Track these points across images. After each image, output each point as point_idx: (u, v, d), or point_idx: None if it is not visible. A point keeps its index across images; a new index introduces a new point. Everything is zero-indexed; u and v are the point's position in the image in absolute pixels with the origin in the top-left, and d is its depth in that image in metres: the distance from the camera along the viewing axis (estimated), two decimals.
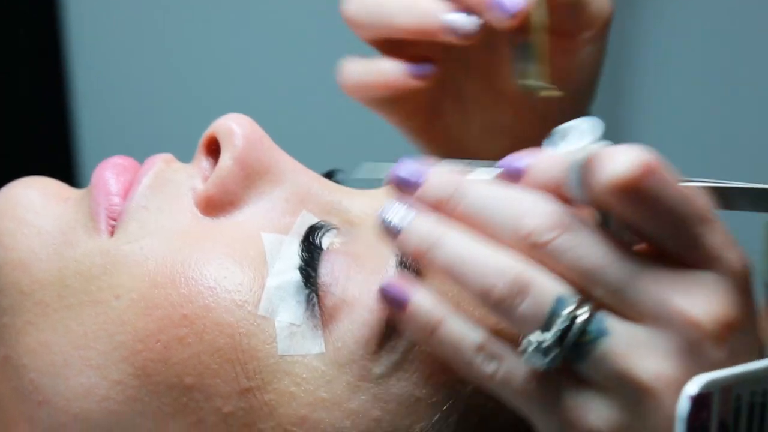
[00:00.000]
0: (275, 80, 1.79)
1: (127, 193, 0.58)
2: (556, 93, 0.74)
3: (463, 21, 0.73)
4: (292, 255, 0.56)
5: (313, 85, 1.74)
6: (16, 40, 1.79)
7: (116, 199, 0.58)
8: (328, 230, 0.57)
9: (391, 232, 0.53)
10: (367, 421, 0.54)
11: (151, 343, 0.54)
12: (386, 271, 0.55)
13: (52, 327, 0.55)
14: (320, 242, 0.57)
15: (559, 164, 0.51)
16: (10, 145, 1.79)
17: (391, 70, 0.76)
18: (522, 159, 0.53)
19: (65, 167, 1.82)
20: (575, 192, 0.50)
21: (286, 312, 0.55)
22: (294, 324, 0.54)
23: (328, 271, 0.55)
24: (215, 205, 0.58)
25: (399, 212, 0.53)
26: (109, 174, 0.59)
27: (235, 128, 0.58)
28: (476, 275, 0.51)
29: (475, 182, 0.53)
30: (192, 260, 0.55)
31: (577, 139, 0.52)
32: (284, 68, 1.79)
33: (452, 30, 0.73)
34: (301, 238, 0.57)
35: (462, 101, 0.80)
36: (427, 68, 0.76)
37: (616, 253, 0.50)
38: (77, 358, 0.54)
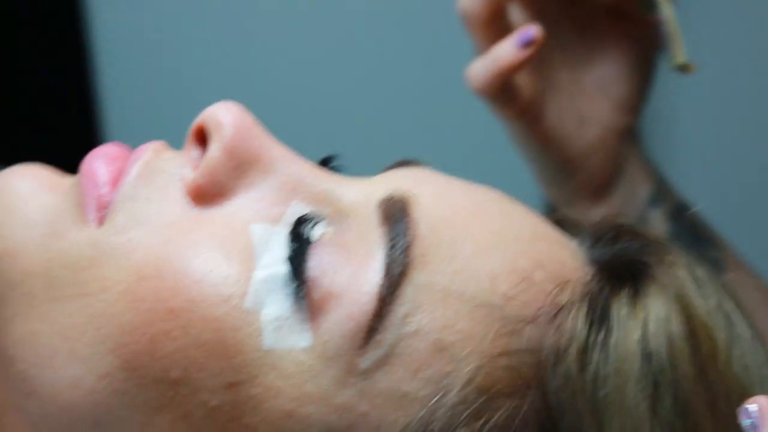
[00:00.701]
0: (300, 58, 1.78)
1: (116, 182, 0.58)
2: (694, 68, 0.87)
3: None
4: (280, 247, 0.55)
5: (337, 71, 1.74)
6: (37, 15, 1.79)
7: (105, 189, 0.57)
8: (318, 221, 0.57)
9: None
10: (354, 416, 0.53)
11: (137, 337, 0.53)
12: (373, 264, 0.54)
13: (39, 318, 0.55)
14: (311, 233, 0.56)
15: None
16: (33, 114, 1.79)
17: (503, 50, 0.86)
18: None
19: (88, 135, 1.82)
20: None
21: (274, 305, 0.54)
22: (281, 317, 0.54)
23: (316, 263, 0.55)
24: (204, 195, 0.57)
25: None
26: (99, 163, 0.58)
27: (224, 117, 0.58)
28: None
29: None
30: (179, 253, 0.54)
31: None
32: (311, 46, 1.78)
33: None
34: (290, 229, 0.56)
35: (559, 97, 0.92)
36: (530, 32, 0.86)
37: None
38: (64, 350, 0.54)
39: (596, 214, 0.76)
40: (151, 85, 1.80)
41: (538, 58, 0.88)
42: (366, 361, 0.53)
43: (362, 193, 0.58)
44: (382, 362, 0.53)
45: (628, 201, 0.94)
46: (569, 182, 0.94)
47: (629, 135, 0.95)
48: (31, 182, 0.59)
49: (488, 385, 0.54)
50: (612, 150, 0.94)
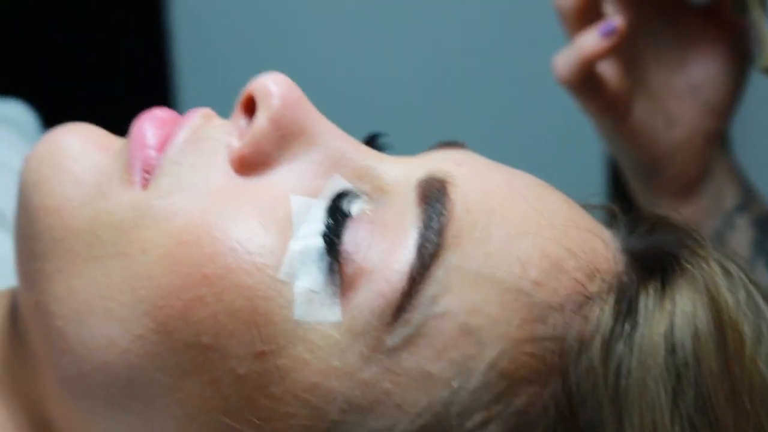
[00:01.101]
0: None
1: (163, 146, 0.59)
2: None
3: None
4: (318, 219, 0.56)
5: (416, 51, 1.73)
6: None
7: (152, 153, 0.58)
8: (357, 196, 0.58)
9: None
10: (377, 393, 0.54)
11: (172, 300, 0.54)
12: (407, 243, 0.55)
13: (79, 275, 0.56)
14: (349, 208, 0.57)
15: None
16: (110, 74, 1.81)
17: (586, 40, 0.89)
18: None
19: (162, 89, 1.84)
20: None
21: (307, 278, 0.55)
22: (313, 290, 0.55)
23: (351, 238, 0.56)
24: (248, 165, 0.58)
25: None
26: (148, 126, 0.59)
27: (272, 88, 0.58)
28: None
29: None
30: (218, 220, 0.55)
31: None
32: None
33: None
34: (328, 202, 0.57)
35: (648, 96, 0.94)
36: (613, 23, 0.89)
37: None
38: (102, 309, 0.55)
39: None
40: (225, 51, 1.81)
41: (629, 55, 0.91)
42: (393, 338, 0.54)
43: (403, 172, 0.59)
44: (409, 341, 0.54)
45: (715, 205, 0.95)
46: (655, 180, 0.97)
47: (717, 139, 0.97)
48: (83, 141, 0.60)
49: (511, 371, 0.55)
50: (698, 152, 0.96)
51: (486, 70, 1.69)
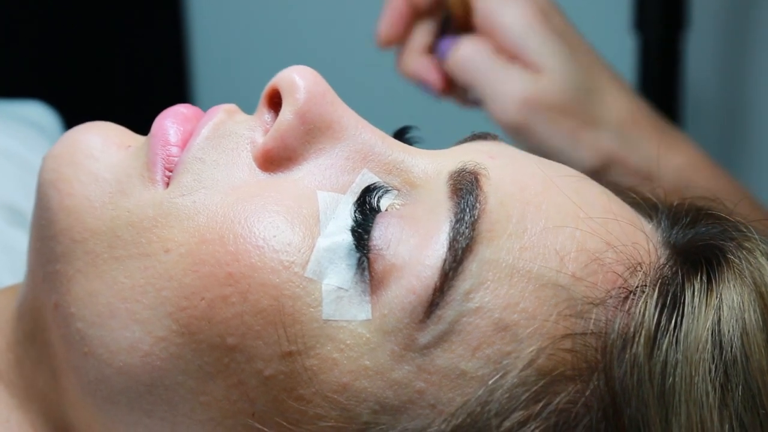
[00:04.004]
0: None
1: (186, 143, 0.57)
2: None
3: None
4: (346, 215, 0.54)
5: None
6: None
7: (174, 150, 0.57)
8: (387, 191, 0.56)
9: None
10: (410, 393, 0.52)
11: (195, 301, 0.52)
12: (438, 237, 0.53)
13: (100, 277, 0.55)
14: (378, 203, 0.55)
15: None
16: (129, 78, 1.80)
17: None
18: None
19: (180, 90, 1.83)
20: None
21: (335, 275, 0.53)
22: (342, 288, 0.53)
23: (381, 234, 0.53)
24: (273, 160, 0.56)
25: None
26: (170, 123, 0.58)
27: (298, 81, 0.57)
28: None
29: None
30: (242, 217, 0.54)
31: None
32: None
33: None
34: (357, 198, 0.55)
35: None
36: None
37: None
38: (123, 311, 0.54)
39: None
40: (244, 50, 1.81)
41: None
42: (425, 336, 0.52)
43: (433, 165, 0.57)
44: (442, 338, 0.52)
45: None
46: None
47: None
48: (103, 139, 0.58)
49: (550, 368, 0.52)
50: None
51: None
